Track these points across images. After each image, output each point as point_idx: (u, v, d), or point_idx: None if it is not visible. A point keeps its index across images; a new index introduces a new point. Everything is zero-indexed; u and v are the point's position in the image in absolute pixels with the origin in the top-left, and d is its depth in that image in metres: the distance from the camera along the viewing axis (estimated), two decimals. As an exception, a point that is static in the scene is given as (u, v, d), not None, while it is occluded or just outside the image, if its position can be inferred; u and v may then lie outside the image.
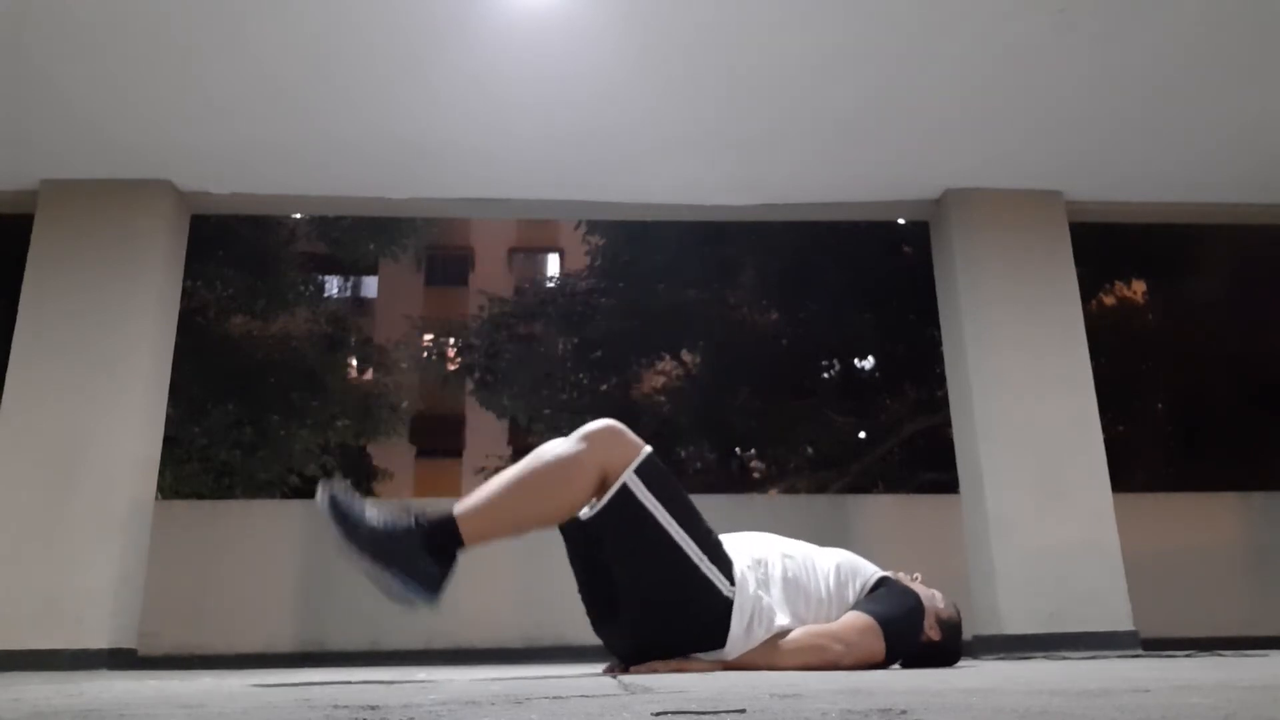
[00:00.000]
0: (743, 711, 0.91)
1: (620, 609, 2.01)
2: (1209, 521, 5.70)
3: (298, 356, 9.69)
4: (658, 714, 0.89)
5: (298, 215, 8.89)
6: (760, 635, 1.98)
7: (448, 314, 17.55)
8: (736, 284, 10.56)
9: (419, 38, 3.55)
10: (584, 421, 2.00)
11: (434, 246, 20.18)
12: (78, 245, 4.27)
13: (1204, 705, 0.90)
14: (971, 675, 1.70)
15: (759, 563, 2.09)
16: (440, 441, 20.11)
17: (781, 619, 2.01)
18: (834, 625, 2.05)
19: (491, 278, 18.74)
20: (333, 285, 19.65)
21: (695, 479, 10.94)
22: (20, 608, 3.80)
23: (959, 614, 2.28)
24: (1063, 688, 1.22)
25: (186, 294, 6.27)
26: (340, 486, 1.83)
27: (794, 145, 4.34)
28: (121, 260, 4.27)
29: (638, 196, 4.81)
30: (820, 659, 1.98)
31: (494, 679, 1.85)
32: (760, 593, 2.02)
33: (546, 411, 10.82)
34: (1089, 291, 8.29)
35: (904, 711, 0.87)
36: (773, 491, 11.21)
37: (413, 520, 1.85)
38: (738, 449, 11.57)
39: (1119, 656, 3.23)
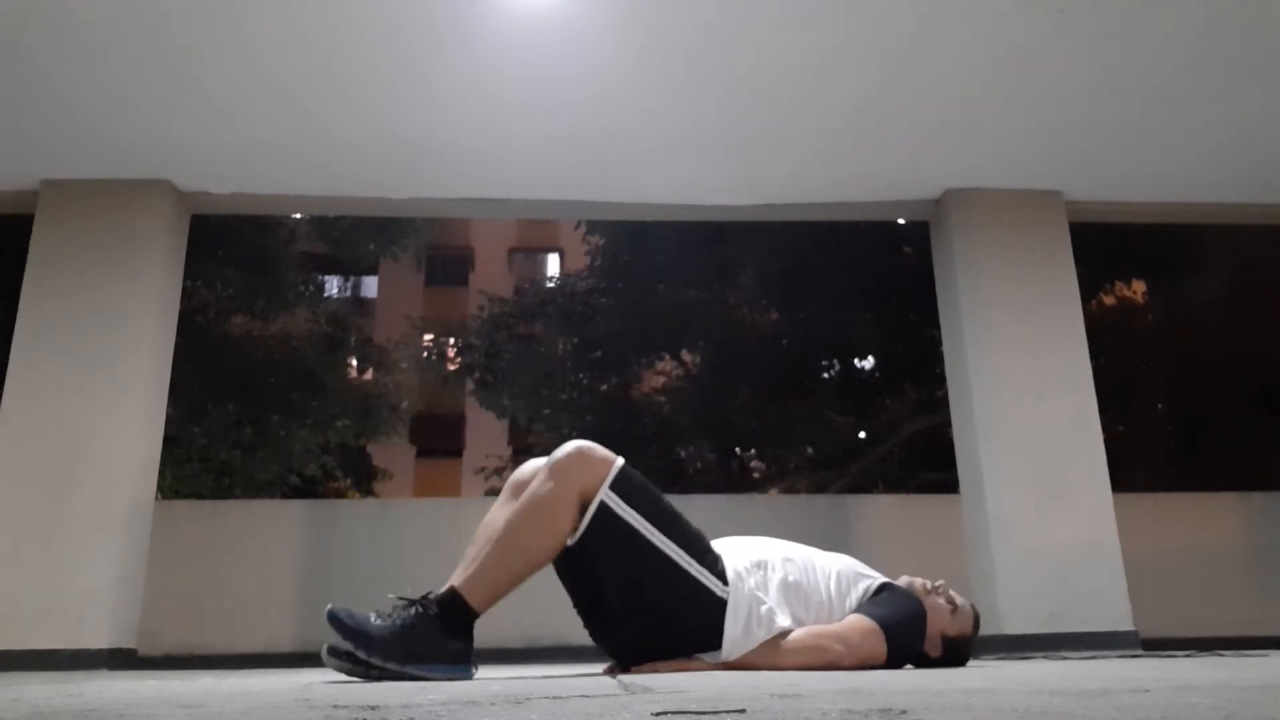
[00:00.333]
0: (743, 711, 0.91)
1: (616, 620, 2.03)
2: (1209, 521, 5.70)
3: (298, 356, 9.68)
4: (658, 714, 0.89)
5: (298, 215, 8.89)
6: (761, 636, 1.98)
7: (448, 314, 17.58)
8: (736, 284, 10.55)
9: (419, 38, 3.55)
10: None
11: (434, 246, 20.19)
12: (78, 245, 4.27)
13: (1204, 705, 0.90)
14: (971, 675, 1.70)
15: (759, 565, 2.09)
16: (440, 441, 20.13)
17: (782, 620, 2.01)
18: (836, 626, 2.05)
19: (491, 278, 18.72)
20: (333, 285, 19.63)
21: (695, 479, 10.94)
22: (20, 608, 3.80)
23: (977, 617, 2.27)
24: (1063, 688, 1.22)
25: (186, 294, 6.27)
26: (338, 607, 1.81)
27: (794, 145, 4.34)
28: (121, 260, 4.27)
29: (638, 196, 4.81)
30: (821, 659, 1.98)
31: (494, 679, 1.85)
32: (759, 593, 2.02)
33: (546, 411, 10.81)
34: (1089, 291, 8.27)
35: (904, 711, 0.87)
36: (773, 492, 11.20)
37: (418, 609, 1.87)
38: (738, 449, 11.56)
39: (1119, 656, 3.23)
